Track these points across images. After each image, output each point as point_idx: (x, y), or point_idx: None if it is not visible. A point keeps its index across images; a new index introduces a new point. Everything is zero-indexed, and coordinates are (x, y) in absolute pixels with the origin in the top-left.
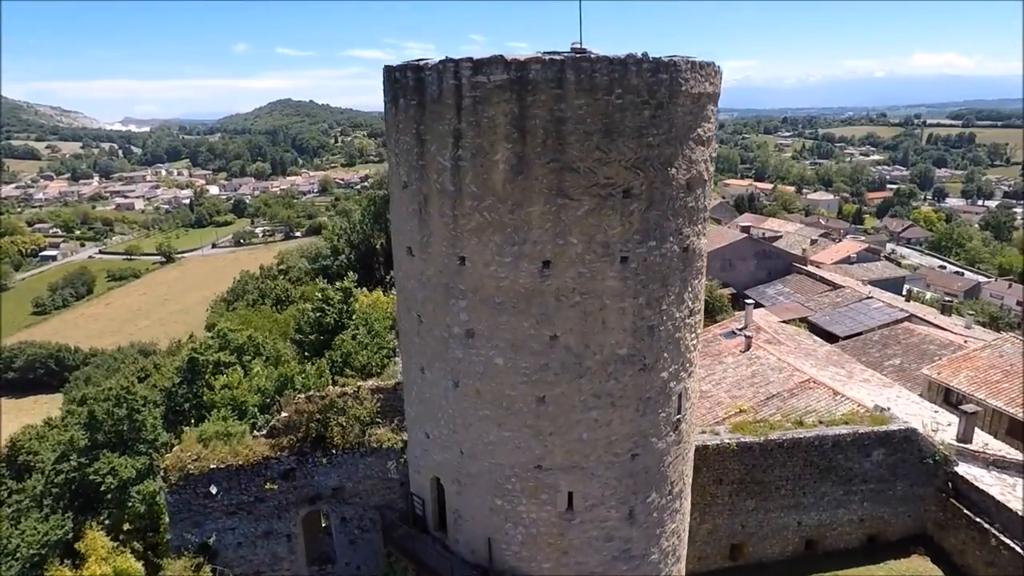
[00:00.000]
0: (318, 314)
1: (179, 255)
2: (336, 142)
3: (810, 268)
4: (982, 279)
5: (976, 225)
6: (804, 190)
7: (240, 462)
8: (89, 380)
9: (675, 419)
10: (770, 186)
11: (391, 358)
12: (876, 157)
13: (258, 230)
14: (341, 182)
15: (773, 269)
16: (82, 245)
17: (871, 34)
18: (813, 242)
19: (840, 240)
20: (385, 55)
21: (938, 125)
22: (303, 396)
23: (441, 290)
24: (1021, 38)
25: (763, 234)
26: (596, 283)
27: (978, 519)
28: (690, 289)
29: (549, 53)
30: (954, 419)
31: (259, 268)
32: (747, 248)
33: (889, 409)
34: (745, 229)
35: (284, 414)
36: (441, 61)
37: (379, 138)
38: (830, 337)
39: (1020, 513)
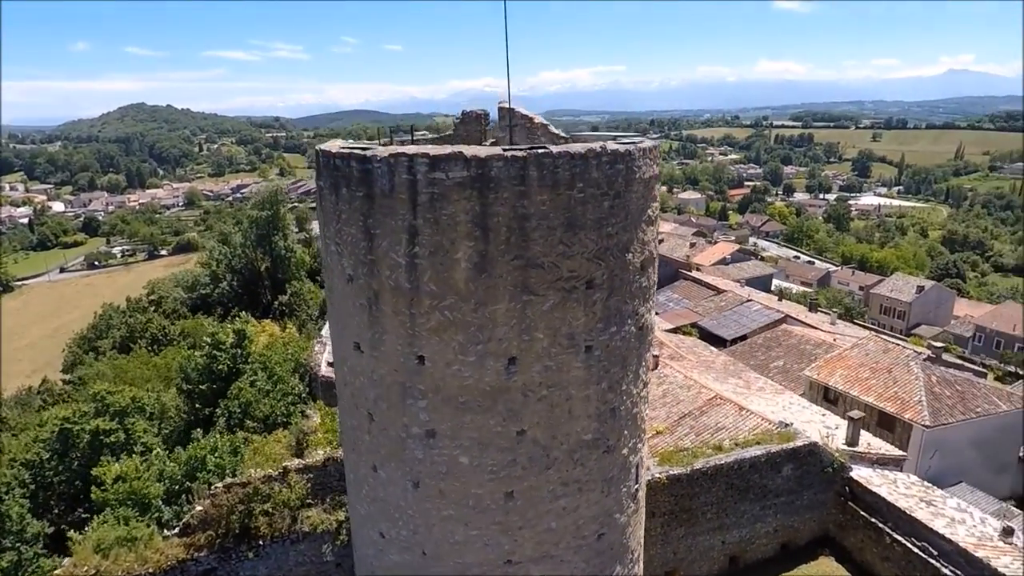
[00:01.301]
0: (208, 360)
1: (19, 283)
2: (201, 150)
3: (695, 273)
4: (831, 267)
5: (820, 217)
6: (675, 189)
7: (150, 569)
8: None
9: (634, 490)
10: None
11: (296, 405)
12: (733, 156)
13: (115, 250)
14: (210, 193)
15: (662, 276)
16: None
17: (721, 42)
18: (692, 245)
19: (715, 241)
20: (250, 56)
21: (783, 127)
22: (220, 485)
23: (397, 389)
24: None
25: None
26: (562, 375)
27: (873, 519)
28: (644, 364)
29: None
30: (839, 420)
31: (126, 300)
32: None
33: (792, 424)
34: None
35: (199, 507)
36: (392, 154)
37: (249, 145)
38: (719, 340)
39: (908, 512)
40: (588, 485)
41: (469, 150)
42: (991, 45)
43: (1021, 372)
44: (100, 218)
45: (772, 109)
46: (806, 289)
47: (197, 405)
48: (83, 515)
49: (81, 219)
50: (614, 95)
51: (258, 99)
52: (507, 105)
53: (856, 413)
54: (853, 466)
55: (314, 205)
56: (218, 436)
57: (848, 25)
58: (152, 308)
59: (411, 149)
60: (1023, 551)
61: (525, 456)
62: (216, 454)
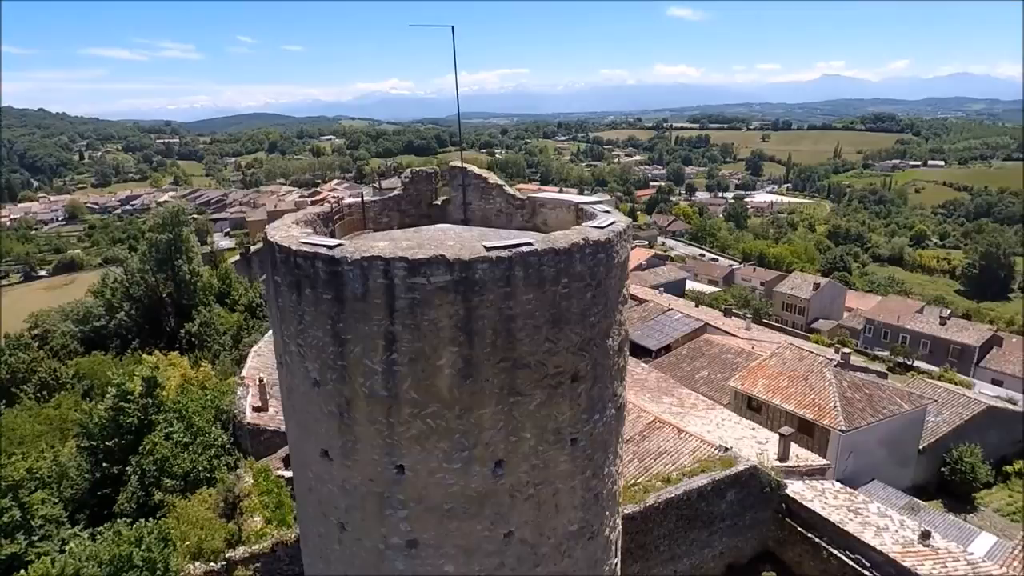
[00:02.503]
0: (114, 413)
1: None
2: (82, 159)
3: None
4: (734, 264)
5: (721, 216)
6: (585, 191)
7: None
8: None
9: (614, 564)
10: (557, 189)
11: (220, 457)
12: (638, 158)
13: None
14: (95, 206)
15: None
16: None
17: (620, 47)
18: None
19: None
20: (135, 55)
21: (682, 128)
22: None
23: (373, 499)
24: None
25: None
26: (549, 471)
27: (809, 534)
28: (620, 440)
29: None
30: (768, 434)
31: (4, 337)
32: None
33: (731, 448)
34: None
35: None
36: (366, 258)
37: (138, 152)
38: (644, 351)
39: (840, 526)
40: (575, 574)
41: (452, 252)
42: (858, 52)
43: (908, 363)
44: None
45: (671, 111)
46: (715, 288)
47: (104, 464)
48: None
49: None
50: (521, 97)
51: (146, 102)
52: (459, 164)
53: (786, 430)
54: (787, 482)
55: (215, 217)
56: (143, 523)
57: (735, 31)
58: (37, 345)
59: (387, 251)
60: (940, 552)
61: (513, 557)
62: (143, 546)
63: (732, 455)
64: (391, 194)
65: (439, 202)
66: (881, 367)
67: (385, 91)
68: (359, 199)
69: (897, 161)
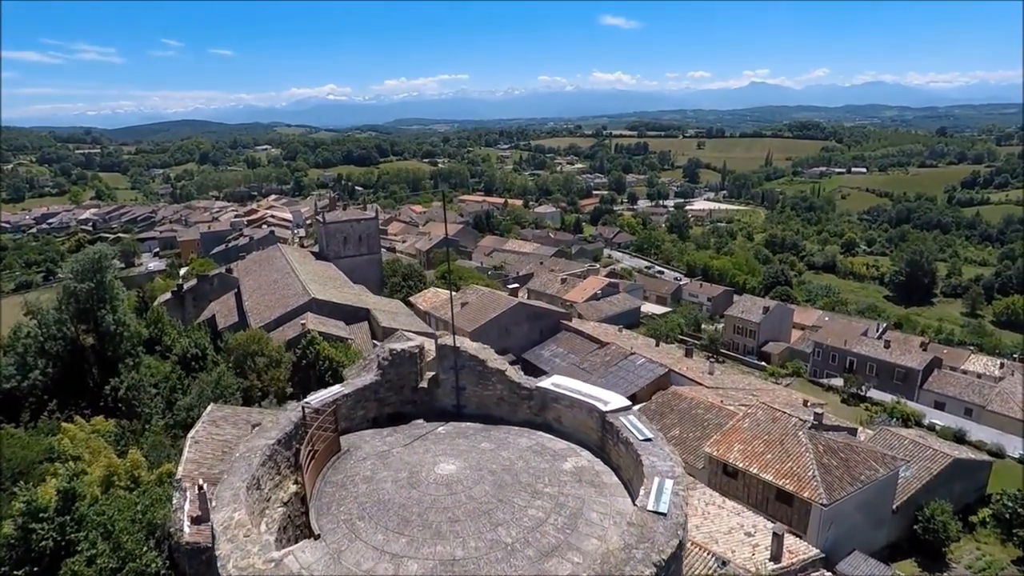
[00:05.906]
0: (23, 534)
1: None
2: None
3: (576, 323)
4: (679, 277)
5: (664, 226)
6: (530, 203)
7: None
8: None
9: None
10: (501, 200)
11: None
12: (579, 166)
13: None
14: (7, 224)
15: (544, 328)
16: None
17: (557, 54)
18: (563, 281)
19: (584, 275)
20: (48, 58)
21: (621, 136)
22: None
23: None
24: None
25: (514, 274)
26: None
27: None
28: None
29: None
30: (754, 519)
31: None
32: (520, 312)
33: (729, 563)
34: (513, 291)
35: None
36: None
37: (55, 164)
38: None
39: None
40: None
41: None
42: (781, 61)
43: (861, 393)
44: None
45: (608, 117)
46: (665, 308)
47: None
48: None
49: None
50: (461, 103)
51: (63, 107)
52: (450, 343)
53: (779, 527)
54: None
55: (143, 236)
56: None
57: (666, 39)
58: None
59: None
60: None
61: None
62: None
63: (731, 572)
64: (367, 381)
65: (424, 384)
66: (837, 399)
67: (322, 97)
68: (331, 400)
69: (824, 168)
